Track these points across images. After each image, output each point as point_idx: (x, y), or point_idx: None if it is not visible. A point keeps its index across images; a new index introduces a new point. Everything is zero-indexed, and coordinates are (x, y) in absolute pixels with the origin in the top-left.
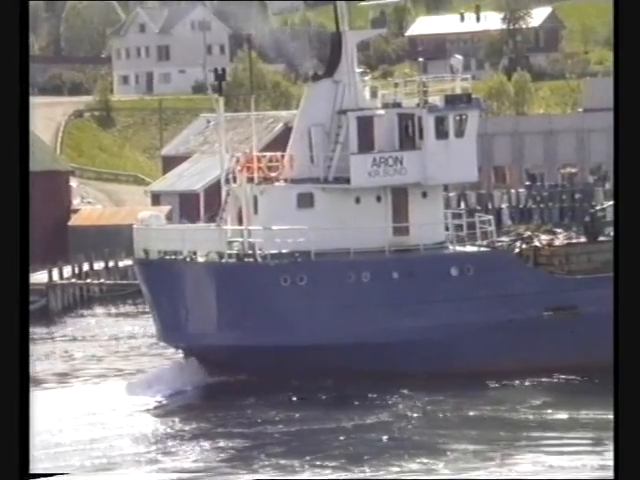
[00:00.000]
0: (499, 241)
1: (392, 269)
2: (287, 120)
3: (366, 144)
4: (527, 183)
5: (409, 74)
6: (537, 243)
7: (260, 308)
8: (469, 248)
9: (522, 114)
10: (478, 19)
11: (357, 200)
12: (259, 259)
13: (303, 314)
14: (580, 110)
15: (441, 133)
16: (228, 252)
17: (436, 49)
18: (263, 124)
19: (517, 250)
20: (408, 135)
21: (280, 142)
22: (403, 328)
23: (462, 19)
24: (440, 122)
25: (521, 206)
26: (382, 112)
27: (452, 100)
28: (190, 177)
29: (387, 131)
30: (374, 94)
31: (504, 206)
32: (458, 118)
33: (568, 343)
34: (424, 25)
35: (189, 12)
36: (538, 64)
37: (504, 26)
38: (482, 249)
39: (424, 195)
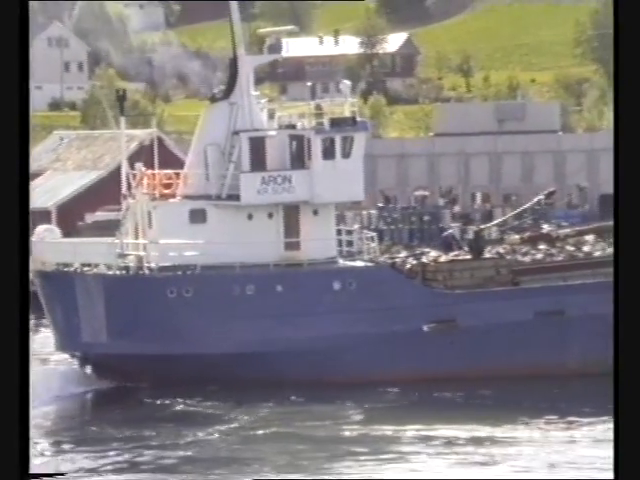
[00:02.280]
0: (396, 257)
1: (276, 282)
2: (141, 139)
3: (258, 163)
4: (379, 205)
5: (269, 95)
6: (424, 259)
7: (148, 318)
8: (357, 263)
9: (377, 137)
10: (337, 43)
11: (249, 216)
12: (146, 271)
13: (189, 324)
14: (431, 134)
15: (328, 154)
16: (117, 264)
17: (296, 71)
18: (117, 143)
19: (408, 266)
20: (298, 155)
21: (135, 160)
22: (286, 339)
23: (321, 42)
24: (327, 143)
25: (372, 227)
26: (274, 133)
27: (338, 122)
28: (42, 194)
29: (278, 151)
30: (271, 116)
31: (356, 227)
32: (345, 140)
33: (447, 354)
34: (284, 47)
35: (45, 28)
36: (394, 88)
37: (362, 50)
38: (366, 264)
39: (315, 212)
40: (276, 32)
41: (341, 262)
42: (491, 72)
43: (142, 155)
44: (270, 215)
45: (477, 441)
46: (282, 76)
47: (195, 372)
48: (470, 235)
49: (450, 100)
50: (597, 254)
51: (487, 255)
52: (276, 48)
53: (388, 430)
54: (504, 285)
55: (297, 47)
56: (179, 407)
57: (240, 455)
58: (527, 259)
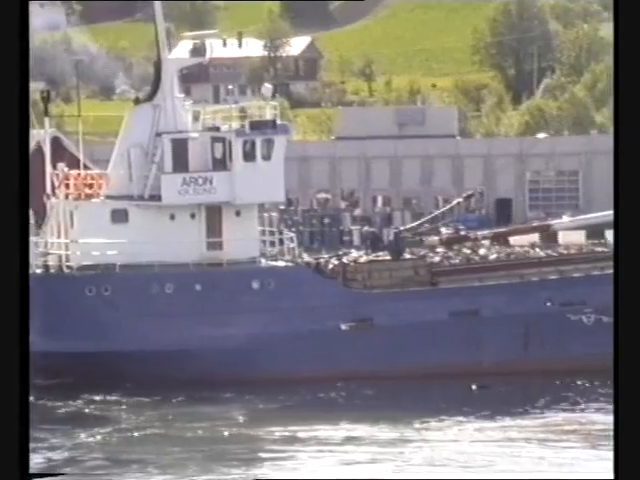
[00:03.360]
0: (321, 257)
1: (195, 281)
2: (39, 139)
3: (180, 165)
4: (281, 207)
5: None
6: (345, 260)
7: (67, 317)
8: (279, 263)
9: None
10: (240, 45)
11: (171, 217)
12: (66, 271)
13: (108, 322)
14: (333, 138)
15: (249, 156)
16: (38, 263)
17: (199, 73)
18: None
19: (331, 266)
20: (220, 157)
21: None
22: (204, 337)
23: (224, 44)
24: (248, 146)
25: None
26: (196, 135)
27: (258, 125)
28: None
29: (201, 153)
30: (196, 118)
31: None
32: (265, 142)
33: (364, 353)
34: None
35: None
36: (297, 92)
37: (265, 53)
38: (286, 264)
39: (237, 213)
40: (200, 36)
41: (263, 262)
42: (393, 77)
43: (38, 156)
44: (192, 215)
45: (355, 440)
46: (185, 78)
47: (113, 370)
48: (390, 236)
49: (353, 104)
50: (492, 257)
51: (407, 256)
52: (200, 51)
53: (268, 431)
54: (422, 285)
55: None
56: (73, 408)
57: (119, 457)
58: (453, 260)
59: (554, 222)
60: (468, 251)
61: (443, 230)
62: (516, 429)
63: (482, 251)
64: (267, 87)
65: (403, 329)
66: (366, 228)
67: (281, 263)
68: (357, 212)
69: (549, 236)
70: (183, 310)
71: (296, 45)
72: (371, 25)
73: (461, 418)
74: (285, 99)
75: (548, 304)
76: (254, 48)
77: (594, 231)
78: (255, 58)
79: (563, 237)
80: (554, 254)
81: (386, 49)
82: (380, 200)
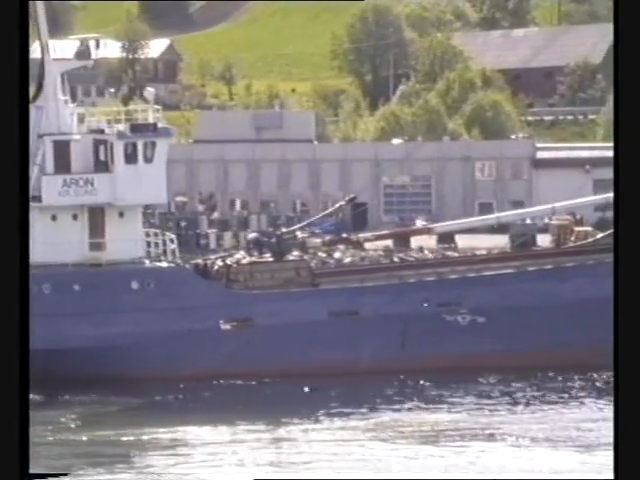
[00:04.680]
0: (207, 259)
1: (73, 281)
2: None
3: (62, 166)
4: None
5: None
6: (228, 261)
7: None
8: (162, 264)
9: None
10: (98, 46)
11: (53, 218)
12: None
13: None
14: (191, 141)
15: (130, 158)
16: None
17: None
18: None
19: (216, 267)
20: (103, 159)
21: None
22: (82, 336)
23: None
24: (129, 148)
25: None
26: (78, 137)
27: (139, 128)
28: None
29: (83, 155)
30: (81, 120)
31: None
32: (147, 145)
33: (244, 353)
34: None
35: None
36: (156, 94)
37: (123, 55)
38: (168, 265)
39: (121, 215)
40: (86, 39)
41: (147, 263)
42: (253, 81)
43: None
44: (75, 216)
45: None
46: (41, 78)
47: None
48: (273, 239)
49: (212, 107)
50: (347, 260)
51: (290, 257)
52: (85, 54)
53: (96, 435)
54: (303, 286)
55: (59, 49)
56: None
57: None
58: (339, 261)
59: (436, 225)
60: (324, 255)
61: (298, 234)
62: (350, 429)
63: (337, 254)
64: (150, 90)
65: (282, 329)
66: (251, 230)
67: (164, 264)
68: (215, 215)
69: (400, 241)
70: (60, 310)
71: (155, 47)
72: (232, 29)
73: (297, 420)
74: (143, 101)
75: (425, 305)
76: (112, 49)
77: (444, 236)
78: (113, 59)
79: (415, 241)
80: (431, 257)
81: (246, 53)
82: (238, 203)
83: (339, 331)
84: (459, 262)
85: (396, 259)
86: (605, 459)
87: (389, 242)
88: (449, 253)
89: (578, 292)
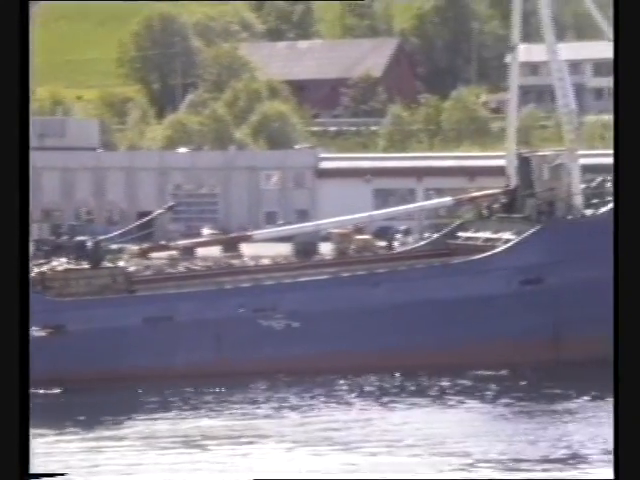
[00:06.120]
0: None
1: None
2: None
3: None
4: None
5: None
6: (44, 268)
7: None
8: None
9: None
10: None
11: None
12: None
13: None
14: None
15: None
16: None
17: None
18: None
19: (33, 274)
20: None
21: None
22: None
23: None
24: None
25: None
26: None
27: None
28: None
29: None
30: None
31: None
32: None
33: (57, 359)
34: None
35: None
36: None
37: None
38: None
39: None
40: None
41: None
42: (37, 88)
43: None
44: None
45: None
46: None
47: None
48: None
49: None
50: (132, 269)
51: (105, 265)
52: None
53: None
54: (119, 293)
55: None
56: None
57: None
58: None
59: (256, 233)
60: (122, 263)
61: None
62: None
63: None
64: None
65: (96, 335)
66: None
67: None
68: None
69: (186, 251)
70: None
71: None
72: None
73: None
74: None
75: (241, 310)
76: None
77: (228, 245)
78: None
79: (200, 251)
80: (251, 264)
81: (32, 58)
82: None
83: (153, 336)
84: (286, 268)
85: (181, 268)
86: (363, 459)
87: (174, 252)
88: (234, 261)
89: (389, 297)
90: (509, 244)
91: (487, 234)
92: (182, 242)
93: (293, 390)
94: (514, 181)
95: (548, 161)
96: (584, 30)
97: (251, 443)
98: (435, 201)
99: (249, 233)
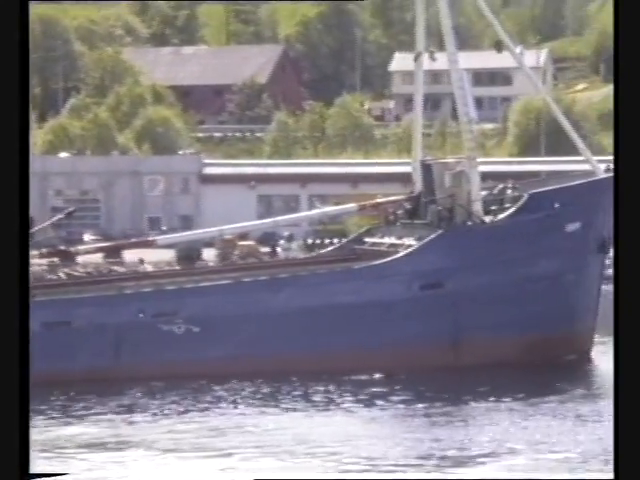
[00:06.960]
0: None
1: None
2: None
3: None
4: None
5: None
6: None
7: None
8: None
9: None
10: None
11: None
12: None
13: None
14: None
15: None
16: None
17: None
18: None
19: None
20: None
21: None
22: None
23: None
24: None
25: None
26: None
27: None
28: None
29: None
30: None
31: None
32: None
33: None
34: None
35: None
36: None
37: None
38: None
39: None
40: None
41: None
42: None
43: None
44: None
45: None
46: None
47: None
48: None
49: None
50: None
51: None
52: None
53: None
54: None
55: None
56: None
57: None
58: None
59: (160, 238)
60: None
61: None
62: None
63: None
64: None
65: None
66: None
67: None
68: None
69: (67, 257)
70: None
71: None
72: None
73: None
74: None
75: (141, 315)
76: None
77: (111, 251)
78: None
79: (82, 258)
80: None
81: None
82: None
83: (51, 342)
84: (215, 271)
85: (62, 275)
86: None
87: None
88: (116, 267)
89: (291, 302)
90: (410, 249)
91: (392, 239)
92: (84, 247)
93: (170, 396)
94: (418, 187)
95: (449, 168)
96: (464, 41)
97: (120, 450)
98: (339, 207)
99: (151, 238)
